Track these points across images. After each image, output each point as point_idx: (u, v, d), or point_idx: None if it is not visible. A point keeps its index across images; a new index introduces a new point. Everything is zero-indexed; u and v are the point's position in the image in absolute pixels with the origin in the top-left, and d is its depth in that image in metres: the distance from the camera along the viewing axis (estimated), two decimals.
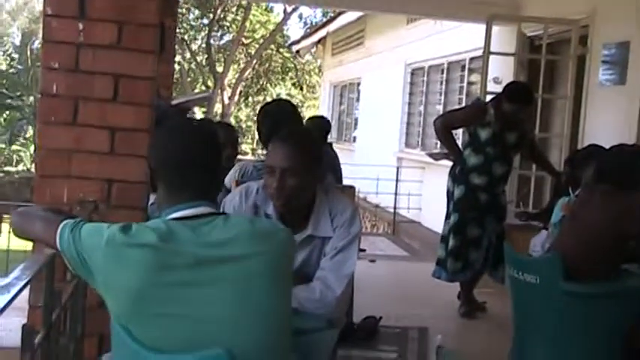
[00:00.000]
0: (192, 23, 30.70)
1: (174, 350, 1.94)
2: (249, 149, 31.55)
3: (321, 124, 7.15)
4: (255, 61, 29.72)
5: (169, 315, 1.96)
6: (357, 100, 17.27)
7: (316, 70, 29.81)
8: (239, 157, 6.00)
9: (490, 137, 6.19)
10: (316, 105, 26.35)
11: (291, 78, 32.45)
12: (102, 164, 3.23)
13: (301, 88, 32.23)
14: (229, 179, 4.35)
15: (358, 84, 17.07)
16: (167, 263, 1.98)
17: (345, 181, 7.12)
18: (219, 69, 29.30)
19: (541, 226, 5.83)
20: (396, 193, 12.38)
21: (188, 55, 31.01)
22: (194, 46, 31.29)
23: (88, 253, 2.04)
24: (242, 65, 30.19)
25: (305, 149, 2.93)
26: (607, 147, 4.99)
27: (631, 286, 3.99)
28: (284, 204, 2.90)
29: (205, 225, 2.06)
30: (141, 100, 3.25)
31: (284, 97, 28.74)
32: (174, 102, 4.90)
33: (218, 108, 28.76)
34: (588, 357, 3.89)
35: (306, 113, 29.07)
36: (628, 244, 3.94)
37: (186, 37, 29.89)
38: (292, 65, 31.73)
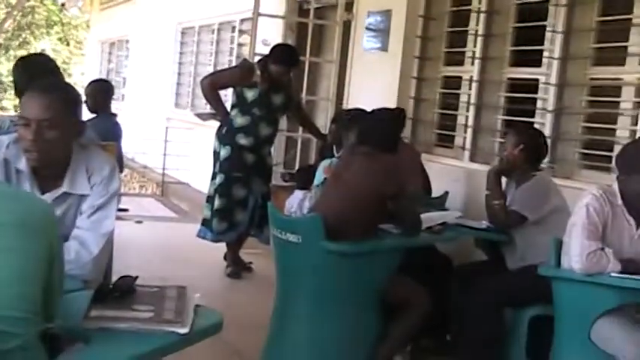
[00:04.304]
0: None
1: None
2: (12, 105, 29.95)
3: (103, 87, 6.43)
4: (16, 13, 28.16)
5: None
6: (127, 58, 16.84)
7: (84, 26, 28.73)
8: None
9: (256, 98, 6.23)
10: (84, 62, 25.42)
11: (57, 32, 31.07)
12: None
13: (68, 44, 30.96)
14: None
15: (127, 41, 16.63)
16: None
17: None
18: None
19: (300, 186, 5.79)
20: (165, 154, 12.20)
21: None
22: None
23: None
24: (2, 16, 28.53)
25: (64, 100, 2.78)
26: (370, 110, 5.17)
27: (387, 245, 4.16)
28: (39, 158, 2.73)
29: None
30: None
31: (49, 52, 27.49)
32: None
33: None
34: (349, 312, 4.02)
35: (74, 70, 28.01)
36: (386, 205, 4.08)
37: None
38: (58, 19, 30.37)
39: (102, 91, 6.30)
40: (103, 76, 17.43)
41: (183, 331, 2.15)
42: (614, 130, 5.11)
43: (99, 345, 2.06)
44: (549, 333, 3.79)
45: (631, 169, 3.54)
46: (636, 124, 4.79)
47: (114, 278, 2.45)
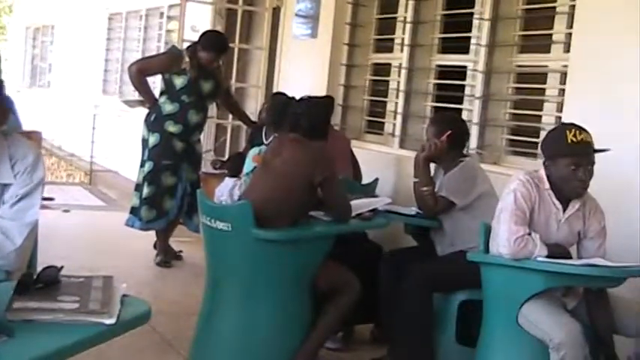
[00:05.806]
0: None
1: None
2: None
3: None
4: None
5: None
6: (52, 44, 16.52)
7: (7, 10, 28.03)
8: None
9: (185, 85, 6.17)
10: (6, 48, 24.82)
11: None
12: None
13: None
14: None
15: (53, 27, 16.31)
16: None
17: (39, 128, 6.76)
18: None
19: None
20: (93, 142, 12.02)
21: None
22: None
23: None
24: None
25: None
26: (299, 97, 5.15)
27: (317, 232, 4.16)
28: None
29: None
30: None
31: None
32: None
33: None
34: (280, 299, 4.01)
35: None
36: (316, 192, 4.08)
37: None
38: None
39: None
40: (28, 62, 17.11)
41: (110, 321, 2.11)
42: (539, 116, 5.19)
43: (23, 337, 2.01)
44: (478, 317, 3.84)
45: (555, 154, 3.59)
46: (561, 110, 4.86)
47: (39, 269, 2.39)
